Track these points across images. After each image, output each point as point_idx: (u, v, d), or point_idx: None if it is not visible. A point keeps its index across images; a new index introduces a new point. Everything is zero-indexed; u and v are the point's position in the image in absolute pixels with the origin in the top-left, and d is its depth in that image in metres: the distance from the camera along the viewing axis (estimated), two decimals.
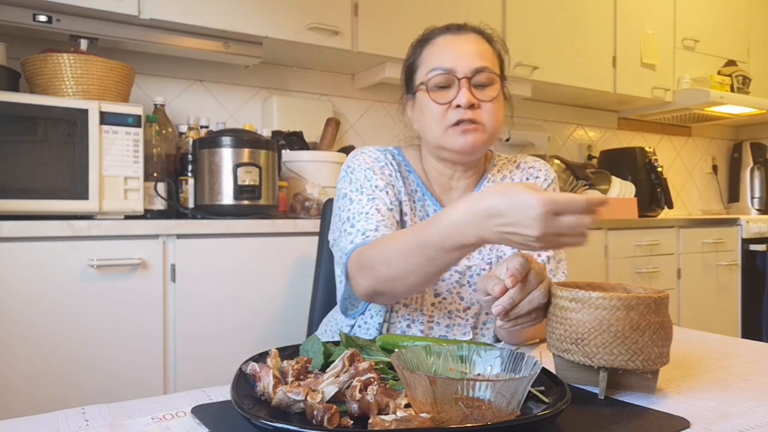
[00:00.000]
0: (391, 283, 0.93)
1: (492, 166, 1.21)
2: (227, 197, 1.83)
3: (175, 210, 1.89)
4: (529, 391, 0.62)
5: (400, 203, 1.12)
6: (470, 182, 1.17)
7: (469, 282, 1.11)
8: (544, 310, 0.78)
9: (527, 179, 1.18)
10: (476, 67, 1.06)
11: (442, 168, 1.15)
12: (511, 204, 0.74)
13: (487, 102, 1.06)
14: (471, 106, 1.05)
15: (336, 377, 0.65)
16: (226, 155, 1.84)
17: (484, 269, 1.10)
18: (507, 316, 0.76)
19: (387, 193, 1.09)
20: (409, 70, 1.15)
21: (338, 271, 1.17)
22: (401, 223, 1.11)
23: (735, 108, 3.49)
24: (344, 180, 1.13)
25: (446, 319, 1.09)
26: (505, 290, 0.75)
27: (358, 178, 1.11)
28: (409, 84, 1.15)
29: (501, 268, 0.79)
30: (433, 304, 1.09)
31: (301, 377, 0.68)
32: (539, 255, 1.11)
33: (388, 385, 0.65)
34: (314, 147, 2.32)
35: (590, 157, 3.42)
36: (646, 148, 3.26)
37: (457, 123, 1.05)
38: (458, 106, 1.05)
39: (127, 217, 1.64)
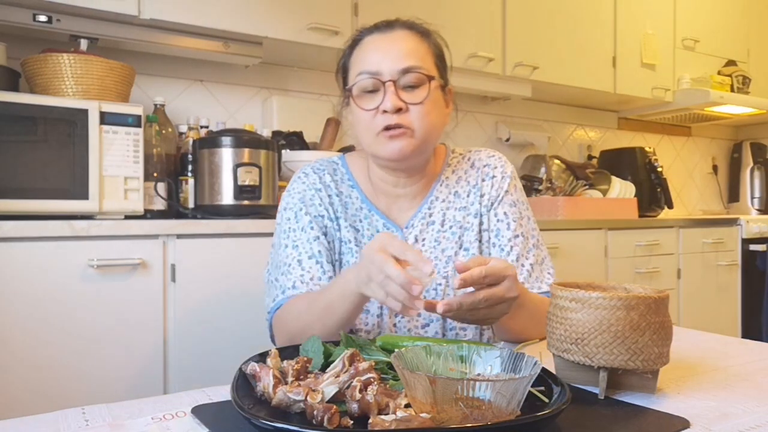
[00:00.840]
0: (299, 335, 0.98)
1: (446, 166, 1.15)
2: (227, 197, 1.84)
3: (175, 210, 1.89)
4: (529, 391, 0.62)
5: (339, 230, 1.09)
6: (419, 187, 1.12)
7: (424, 296, 1.07)
8: (489, 313, 0.83)
9: (483, 180, 1.13)
10: (403, 67, 1.00)
11: (384, 175, 1.10)
12: (364, 254, 0.83)
13: (416, 104, 1.01)
14: (398, 110, 1.00)
15: (336, 377, 0.65)
16: (226, 155, 1.84)
17: (440, 283, 1.07)
18: (448, 313, 0.82)
19: (312, 228, 1.08)
20: (343, 73, 1.10)
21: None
22: (339, 253, 1.09)
23: (735, 108, 3.49)
24: (279, 215, 1.13)
25: None
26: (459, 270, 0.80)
27: (288, 218, 1.11)
28: (345, 83, 1.10)
29: (492, 261, 0.82)
30: (395, 325, 1.07)
31: (301, 377, 0.68)
32: (522, 265, 1.08)
33: (388, 385, 0.65)
34: (314, 147, 2.32)
35: (590, 157, 3.42)
36: (646, 148, 3.26)
37: (386, 129, 1.01)
38: (385, 111, 1.00)
39: (127, 217, 1.64)
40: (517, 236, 1.10)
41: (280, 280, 1.07)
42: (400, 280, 0.77)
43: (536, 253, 1.11)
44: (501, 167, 1.14)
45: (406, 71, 1.00)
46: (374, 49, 1.03)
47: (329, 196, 1.11)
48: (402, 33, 1.04)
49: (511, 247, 1.09)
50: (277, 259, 1.11)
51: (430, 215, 1.11)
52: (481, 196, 1.12)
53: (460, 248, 1.10)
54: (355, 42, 1.08)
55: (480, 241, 1.11)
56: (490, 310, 0.82)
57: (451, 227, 1.11)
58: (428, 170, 1.13)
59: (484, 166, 1.14)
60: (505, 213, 1.11)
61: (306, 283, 1.04)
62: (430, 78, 1.02)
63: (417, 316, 1.05)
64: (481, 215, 1.12)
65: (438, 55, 1.08)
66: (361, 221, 1.10)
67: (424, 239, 1.10)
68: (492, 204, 1.12)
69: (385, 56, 1.01)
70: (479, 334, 1.10)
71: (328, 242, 1.08)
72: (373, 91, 1.02)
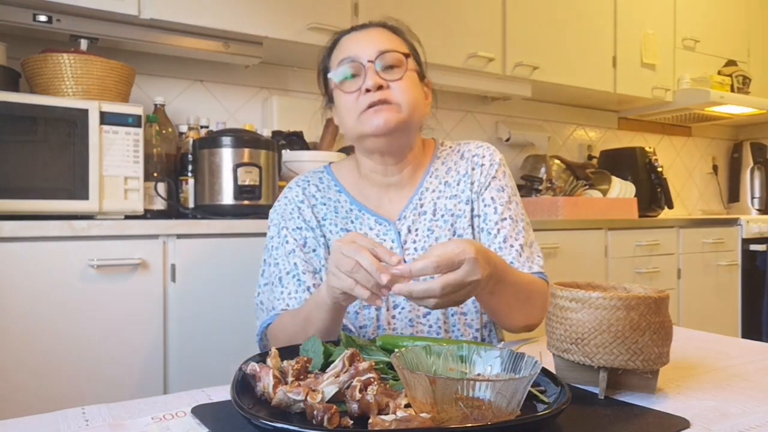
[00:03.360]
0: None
1: (435, 158, 1.18)
2: (227, 197, 1.84)
3: (175, 210, 1.89)
4: (529, 391, 0.62)
5: (325, 236, 1.12)
6: (408, 176, 1.14)
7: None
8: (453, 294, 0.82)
9: (473, 169, 1.15)
10: (379, 50, 1.06)
11: (373, 165, 1.13)
12: (333, 248, 0.85)
13: (396, 80, 1.06)
14: (380, 88, 1.04)
15: (336, 377, 0.65)
16: (226, 155, 1.84)
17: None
18: (395, 292, 0.81)
19: (288, 241, 1.11)
20: (324, 76, 1.16)
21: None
22: (326, 258, 1.11)
23: (735, 108, 3.49)
24: (267, 230, 1.18)
25: (409, 328, 1.08)
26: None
27: (272, 236, 1.16)
28: (326, 90, 1.16)
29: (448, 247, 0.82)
30: (393, 317, 1.08)
31: (301, 377, 0.68)
32: (512, 246, 1.09)
33: (388, 385, 0.65)
34: (314, 147, 2.32)
35: (590, 157, 3.42)
36: (646, 148, 3.26)
37: (370, 107, 1.04)
38: (367, 90, 1.04)
39: (127, 217, 1.64)
40: (504, 219, 1.11)
41: (265, 302, 1.14)
42: (371, 267, 0.78)
43: (525, 235, 1.12)
44: (489, 156, 1.17)
45: (382, 53, 1.06)
46: (351, 43, 1.10)
47: (313, 206, 1.14)
48: (377, 29, 1.12)
49: (498, 230, 1.11)
50: (261, 277, 1.17)
51: (421, 205, 1.13)
52: (472, 183, 1.15)
53: (453, 235, 1.12)
54: (332, 45, 1.14)
55: (473, 227, 1.13)
56: (454, 295, 0.81)
57: (443, 216, 1.13)
58: (417, 159, 1.15)
59: (474, 156, 1.17)
60: (492, 198, 1.13)
61: (283, 299, 1.09)
62: (407, 55, 1.08)
63: (381, 306, 1.06)
64: (472, 201, 1.14)
65: (412, 48, 1.14)
66: (352, 222, 1.13)
67: (416, 229, 1.12)
68: (480, 190, 1.14)
69: (363, 44, 1.08)
70: (479, 318, 1.11)
71: (306, 252, 1.11)
72: (354, 75, 1.06)
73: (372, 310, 1.08)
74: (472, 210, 1.14)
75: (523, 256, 1.09)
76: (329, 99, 1.16)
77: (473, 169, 1.15)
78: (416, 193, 1.14)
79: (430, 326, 1.09)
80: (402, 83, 1.06)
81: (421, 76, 1.14)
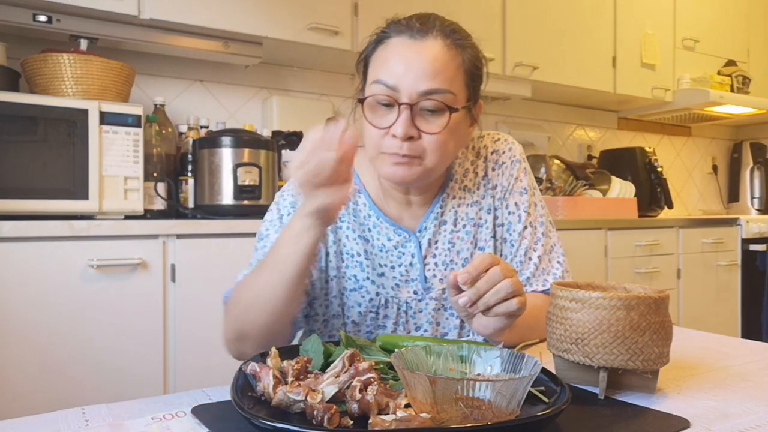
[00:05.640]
0: (246, 315, 0.90)
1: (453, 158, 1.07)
2: (227, 197, 1.84)
3: (175, 210, 1.89)
4: (529, 391, 0.62)
5: (338, 242, 1.03)
6: (428, 196, 1.04)
7: (444, 306, 1.03)
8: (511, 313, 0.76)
9: (493, 170, 1.06)
10: (424, 90, 0.89)
11: (393, 184, 1.01)
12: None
13: (431, 134, 0.91)
14: (409, 138, 0.90)
15: (336, 377, 0.65)
16: (226, 155, 1.84)
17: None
18: (475, 306, 0.75)
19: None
20: (364, 65, 1.00)
21: None
22: (336, 268, 1.02)
23: (735, 108, 3.49)
24: (269, 210, 1.08)
25: None
26: (457, 278, 0.75)
27: (271, 219, 1.05)
28: (364, 80, 1.00)
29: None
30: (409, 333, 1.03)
31: (301, 377, 0.68)
32: (530, 259, 1.04)
33: (388, 385, 0.65)
34: None
35: (590, 157, 3.42)
36: (646, 148, 3.26)
37: (392, 154, 0.92)
38: (395, 135, 0.90)
39: (127, 217, 1.64)
40: (526, 228, 1.05)
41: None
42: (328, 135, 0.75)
43: (545, 241, 1.06)
44: (509, 151, 1.08)
45: (426, 94, 0.90)
46: (398, 58, 0.92)
47: None
48: (434, 44, 0.92)
49: (521, 241, 1.05)
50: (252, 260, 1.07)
51: (442, 214, 1.05)
52: (493, 188, 1.06)
53: (474, 247, 1.05)
54: (380, 37, 0.96)
55: (495, 238, 1.06)
56: (504, 283, 0.75)
57: (464, 226, 1.05)
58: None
59: (492, 153, 1.08)
60: (516, 204, 1.06)
61: (251, 266, 1.00)
62: (452, 109, 0.92)
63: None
64: (495, 209, 1.06)
65: (471, 72, 0.96)
66: (370, 230, 1.04)
67: (437, 242, 1.04)
68: (504, 195, 1.06)
69: (408, 70, 0.90)
70: None
71: None
72: (388, 105, 0.92)
73: (388, 327, 1.02)
74: (495, 218, 1.06)
75: (539, 269, 1.04)
76: (364, 86, 0.99)
77: (493, 170, 1.06)
78: (437, 200, 1.05)
79: None
80: (437, 139, 0.91)
81: (474, 104, 0.99)
